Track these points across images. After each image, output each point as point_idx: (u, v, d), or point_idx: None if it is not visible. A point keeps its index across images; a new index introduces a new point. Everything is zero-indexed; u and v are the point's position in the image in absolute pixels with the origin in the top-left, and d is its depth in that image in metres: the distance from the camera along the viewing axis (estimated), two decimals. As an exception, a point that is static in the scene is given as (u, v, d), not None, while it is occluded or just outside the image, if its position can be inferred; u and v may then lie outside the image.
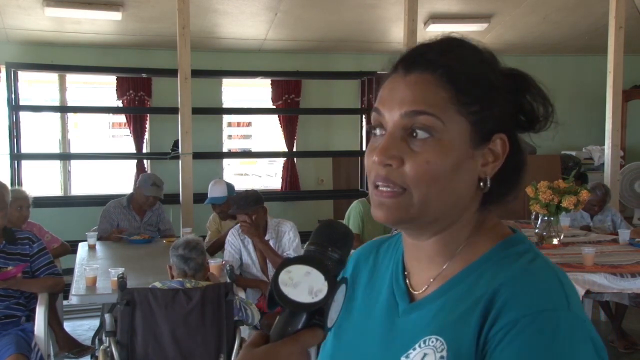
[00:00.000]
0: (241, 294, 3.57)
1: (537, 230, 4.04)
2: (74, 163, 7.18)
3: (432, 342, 0.80)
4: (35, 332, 3.26)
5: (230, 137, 7.83)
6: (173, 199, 5.31)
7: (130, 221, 4.87)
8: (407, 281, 0.90)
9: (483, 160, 0.83)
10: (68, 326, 4.46)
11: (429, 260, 0.87)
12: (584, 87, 7.63)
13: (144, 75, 6.76)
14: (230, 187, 4.91)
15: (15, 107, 5.83)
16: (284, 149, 7.48)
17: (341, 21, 6.63)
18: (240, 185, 6.41)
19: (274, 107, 7.50)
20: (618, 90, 5.45)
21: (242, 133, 8.06)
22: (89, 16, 5.95)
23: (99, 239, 4.65)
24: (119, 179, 7.12)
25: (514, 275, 0.79)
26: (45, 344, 3.29)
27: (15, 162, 5.77)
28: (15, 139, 5.77)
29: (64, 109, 7.02)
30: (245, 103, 7.83)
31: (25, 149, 6.00)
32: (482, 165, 0.83)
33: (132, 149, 7.03)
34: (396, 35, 6.52)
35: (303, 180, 7.67)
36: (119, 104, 7.01)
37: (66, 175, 7.11)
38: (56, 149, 6.98)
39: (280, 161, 7.71)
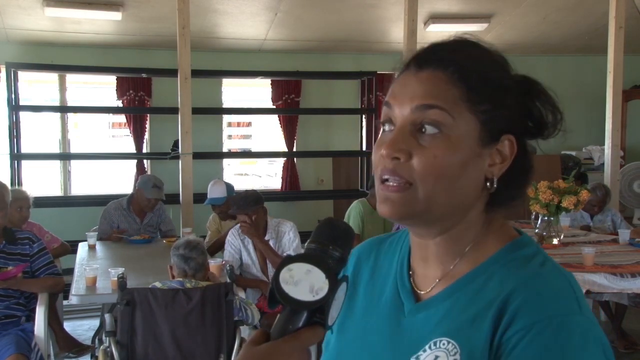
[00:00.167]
0: (241, 294, 3.57)
1: (537, 230, 4.04)
2: (74, 163, 7.18)
3: (444, 344, 0.80)
4: (35, 332, 3.26)
5: (230, 137, 7.83)
6: (173, 199, 5.31)
7: (131, 223, 4.85)
8: (412, 280, 0.91)
9: (490, 160, 0.83)
10: (68, 326, 4.46)
11: (436, 260, 0.88)
12: (584, 87, 7.63)
13: (144, 75, 6.76)
14: (229, 187, 4.91)
15: (15, 107, 5.83)
16: (284, 149, 7.48)
17: (341, 21, 6.63)
18: (240, 185, 6.41)
19: (274, 107, 7.50)
20: (618, 90, 5.45)
21: (242, 133, 8.06)
22: (89, 16, 5.95)
23: (99, 239, 4.65)
24: (119, 179, 7.12)
25: (526, 279, 0.79)
26: (45, 344, 3.29)
27: (15, 162, 5.77)
28: (15, 139, 5.78)
29: (64, 109, 7.02)
30: (245, 103, 7.83)
31: (25, 149, 6.01)
32: (489, 165, 0.83)
33: (132, 149, 7.03)
34: (396, 35, 6.52)
35: (303, 180, 7.67)
36: (119, 104, 7.01)
37: (66, 175, 7.11)
38: (56, 149, 6.98)
39: (280, 161, 7.71)
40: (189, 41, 5.16)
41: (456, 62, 0.82)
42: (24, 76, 6.32)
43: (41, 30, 6.34)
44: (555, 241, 4.00)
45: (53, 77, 6.99)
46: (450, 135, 0.80)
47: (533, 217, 4.12)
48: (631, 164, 7.17)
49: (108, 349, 2.89)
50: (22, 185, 5.68)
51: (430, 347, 0.81)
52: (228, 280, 3.14)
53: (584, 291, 3.15)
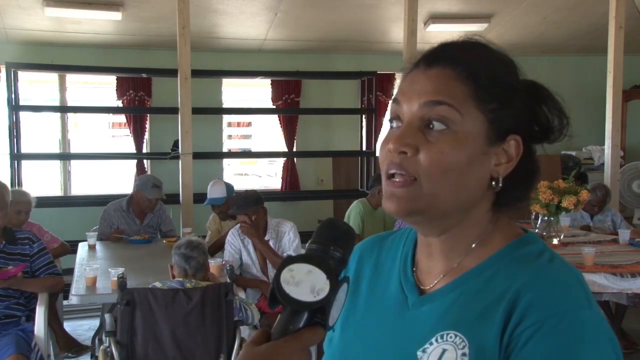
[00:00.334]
0: (241, 294, 3.57)
1: (537, 230, 4.04)
2: (74, 163, 7.18)
3: (451, 337, 0.81)
4: (35, 332, 3.26)
5: (230, 137, 7.83)
6: (173, 199, 5.31)
7: (130, 224, 4.83)
8: (415, 276, 0.91)
9: (497, 159, 0.84)
10: (68, 326, 4.46)
11: (440, 256, 0.88)
12: (584, 87, 7.62)
13: (144, 75, 6.76)
14: (229, 187, 4.90)
15: (15, 107, 5.83)
16: (284, 149, 7.48)
17: (341, 21, 6.63)
18: (240, 185, 6.42)
19: (274, 107, 7.50)
20: (618, 90, 5.45)
21: (242, 133, 8.06)
22: (89, 16, 5.95)
23: (99, 241, 4.64)
24: (119, 179, 7.12)
25: (536, 275, 0.80)
26: (45, 344, 3.29)
27: (15, 162, 5.76)
28: (15, 139, 5.77)
29: (64, 109, 7.02)
30: (245, 103, 7.83)
31: (25, 149, 6.00)
32: (495, 164, 0.84)
33: (132, 149, 7.03)
34: (396, 35, 6.52)
35: (303, 180, 7.67)
36: (119, 104, 7.01)
37: (66, 175, 7.11)
38: (56, 149, 6.98)
39: (280, 161, 7.71)
40: (189, 41, 5.16)
41: (465, 60, 0.83)
42: (24, 76, 6.32)
43: (41, 30, 6.34)
44: (555, 241, 4.00)
45: (53, 77, 6.99)
46: (457, 132, 0.81)
47: (533, 217, 4.12)
48: (629, 164, 7.17)
49: (108, 349, 2.89)
50: (22, 185, 5.68)
51: (437, 340, 0.82)
52: (228, 280, 3.14)
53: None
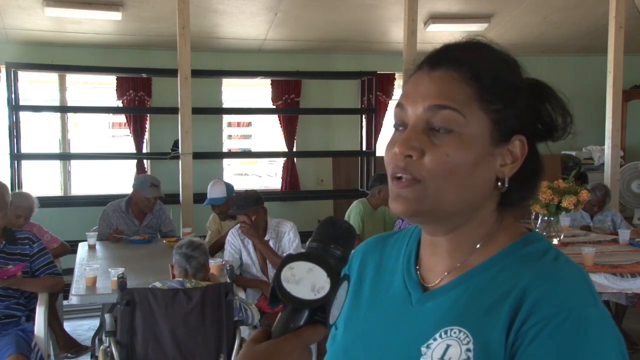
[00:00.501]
0: (241, 294, 3.57)
1: (537, 230, 4.04)
2: (74, 163, 7.18)
3: (455, 333, 0.81)
4: (35, 332, 3.26)
5: (230, 137, 7.83)
6: (173, 199, 5.31)
7: (129, 225, 4.83)
8: (419, 274, 0.92)
9: (502, 160, 0.84)
10: (68, 326, 4.46)
11: (445, 255, 0.89)
12: (584, 87, 7.62)
13: (144, 75, 6.76)
14: (229, 187, 4.90)
15: (15, 107, 5.83)
16: (284, 149, 7.48)
17: (341, 21, 6.63)
18: (240, 185, 6.41)
19: (274, 107, 7.50)
20: (618, 90, 5.45)
21: (242, 133, 8.06)
22: (89, 16, 5.95)
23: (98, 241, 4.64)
24: (119, 179, 7.12)
25: (541, 272, 0.80)
26: (45, 344, 3.29)
27: (15, 162, 5.77)
28: (15, 139, 5.77)
29: (64, 109, 7.02)
30: (245, 103, 7.83)
31: (25, 149, 6.00)
32: (500, 165, 0.84)
33: (132, 149, 7.03)
34: (396, 35, 6.52)
35: (303, 181, 7.67)
36: (119, 104, 7.01)
37: (66, 175, 7.11)
38: (56, 149, 6.98)
39: (280, 161, 7.71)
40: (189, 41, 5.16)
41: (469, 61, 0.83)
42: (24, 76, 6.32)
43: (41, 30, 6.34)
44: (555, 241, 3.99)
45: (53, 77, 6.99)
46: (462, 134, 0.81)
47: (533, 217, 4.12)
48: (628, 165, 7.17)
49: (108, 349, 2.89)
50: (22, 186, 5.68)
51: (441, 336, 0.82)
52: (228, 280, 3.14)
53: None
